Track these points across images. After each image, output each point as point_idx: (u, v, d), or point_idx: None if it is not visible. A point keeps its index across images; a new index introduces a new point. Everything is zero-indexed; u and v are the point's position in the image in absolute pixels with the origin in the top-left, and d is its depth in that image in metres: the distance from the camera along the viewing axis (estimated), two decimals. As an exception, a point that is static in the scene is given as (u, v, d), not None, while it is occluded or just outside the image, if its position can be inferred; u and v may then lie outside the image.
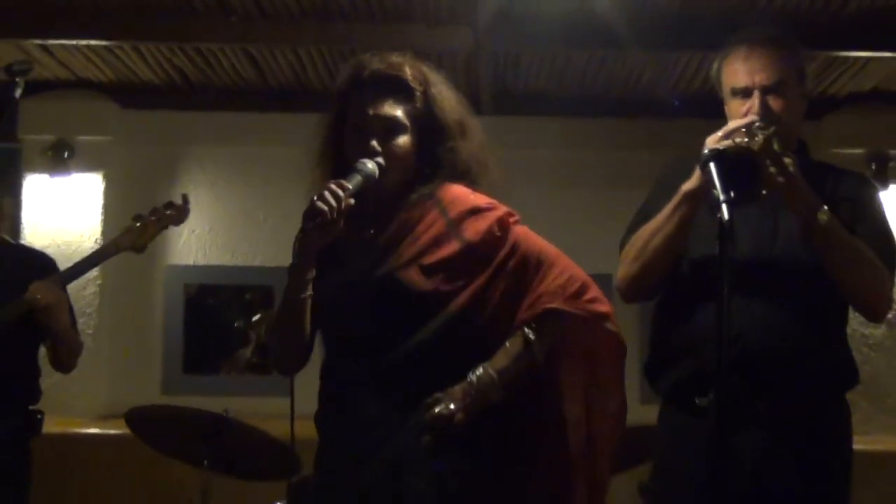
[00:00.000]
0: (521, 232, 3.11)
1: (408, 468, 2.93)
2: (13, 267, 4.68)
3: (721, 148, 3.12)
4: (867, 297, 3.51)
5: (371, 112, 3.07)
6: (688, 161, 3.42)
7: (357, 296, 3.06)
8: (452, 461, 2.93)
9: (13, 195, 6.77)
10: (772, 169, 3.24)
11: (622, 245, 3.63)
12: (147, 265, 6.99)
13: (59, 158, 6.94)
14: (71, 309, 4.74)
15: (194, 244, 7.26)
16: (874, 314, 3.57)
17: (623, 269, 3.58)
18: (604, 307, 3.09)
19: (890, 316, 6.74)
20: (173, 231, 6.89)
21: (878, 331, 6.82)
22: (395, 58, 3.17)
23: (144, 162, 7.24)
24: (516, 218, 3.12)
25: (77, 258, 5.17)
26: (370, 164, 3.00)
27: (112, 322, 7.07)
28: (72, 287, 4.78)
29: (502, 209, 3.10)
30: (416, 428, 2.90)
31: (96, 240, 6.94)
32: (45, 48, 6.33)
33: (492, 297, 3.01)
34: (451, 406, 2.89)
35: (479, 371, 2.94)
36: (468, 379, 2.93)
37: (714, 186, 3.02)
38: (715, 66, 3.69)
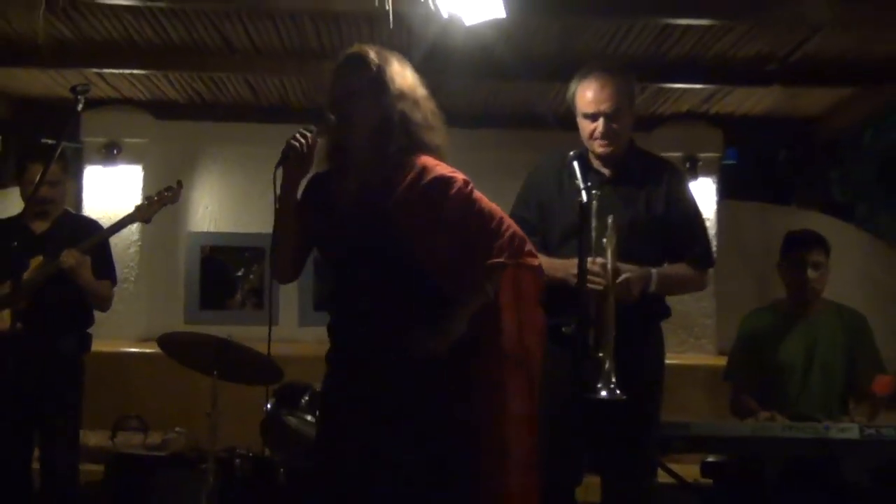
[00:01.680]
0: (476, 195, 3.05)
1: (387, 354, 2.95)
2: (70, 230, 4.64)
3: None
4: (689, 293, 4.04)
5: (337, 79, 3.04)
6: (546, 160, 3.71)
7: (347, 237, 3.01)
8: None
9: (76, 180, 6.68)
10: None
11: None
12: (173, 231, 6.97)
13: (110, 155, 6.79)
14: (108, 264, 4.69)
15: (208, 216, 7.15)
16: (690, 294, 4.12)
17: None
18: (536, 261, 3.08)
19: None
20: (194, 207, 7.07)
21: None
22: (364, 45, 3.10)
23: (172, 158, 7.08)
24: (472, 186, 3.05)
25: (124, 230, 5.13)
26: (329, 115, 2.97)
27: (148, 271, 6.95)
28: (118, 246, 4.76)
29: (461, 178, 3.03)
30: (402, 354, 2.92)
31: (137, 215, 6.82)
32: (100, 75, 6.23)
33: (448, 243, 2.96)
34: (432, 344, 2.91)
35: (449, 311, 2.94)
36: (440, 322, 2.93)
37: (576, 178, 3.05)
38: (571, 89, 3.69)
